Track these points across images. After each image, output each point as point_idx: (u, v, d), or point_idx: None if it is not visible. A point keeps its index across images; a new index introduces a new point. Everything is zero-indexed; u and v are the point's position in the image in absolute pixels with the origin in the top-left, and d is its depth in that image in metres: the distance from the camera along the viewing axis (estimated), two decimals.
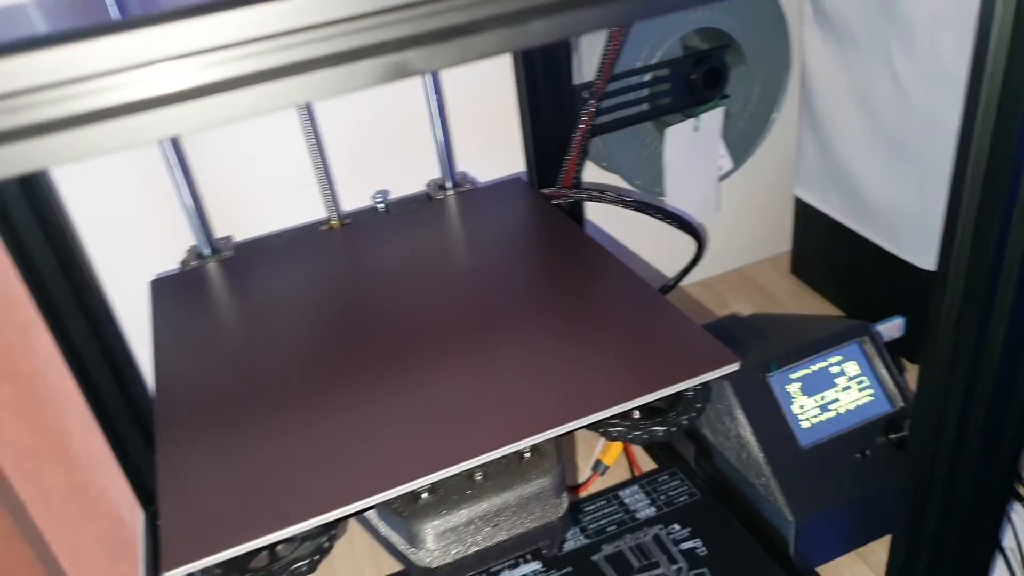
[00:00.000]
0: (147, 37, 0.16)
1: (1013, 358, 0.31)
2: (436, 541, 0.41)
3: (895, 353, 0.62)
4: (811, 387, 0.59)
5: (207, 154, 0.65)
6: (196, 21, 0.16)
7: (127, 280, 0.66)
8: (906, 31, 0.64)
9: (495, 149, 0.75)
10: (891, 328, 0.71)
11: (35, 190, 0.57)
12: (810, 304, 0.87)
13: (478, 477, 0.42)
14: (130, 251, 0.66)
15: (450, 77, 0.69)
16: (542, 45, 0.18)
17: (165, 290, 0.61)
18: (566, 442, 0.71)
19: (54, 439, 0.64)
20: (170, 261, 0.66)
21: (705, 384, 0.47)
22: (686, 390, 0.47)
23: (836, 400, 0.59)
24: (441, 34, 0.18)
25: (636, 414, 0.47)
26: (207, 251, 0.65)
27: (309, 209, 0.70)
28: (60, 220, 0.59)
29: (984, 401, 0.32)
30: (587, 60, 0.72)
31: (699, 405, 0.47)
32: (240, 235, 0.69)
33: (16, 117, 0.15)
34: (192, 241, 0.65)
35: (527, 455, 0.43)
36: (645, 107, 0.76)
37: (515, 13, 0.18)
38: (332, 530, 0.42)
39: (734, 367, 0.44)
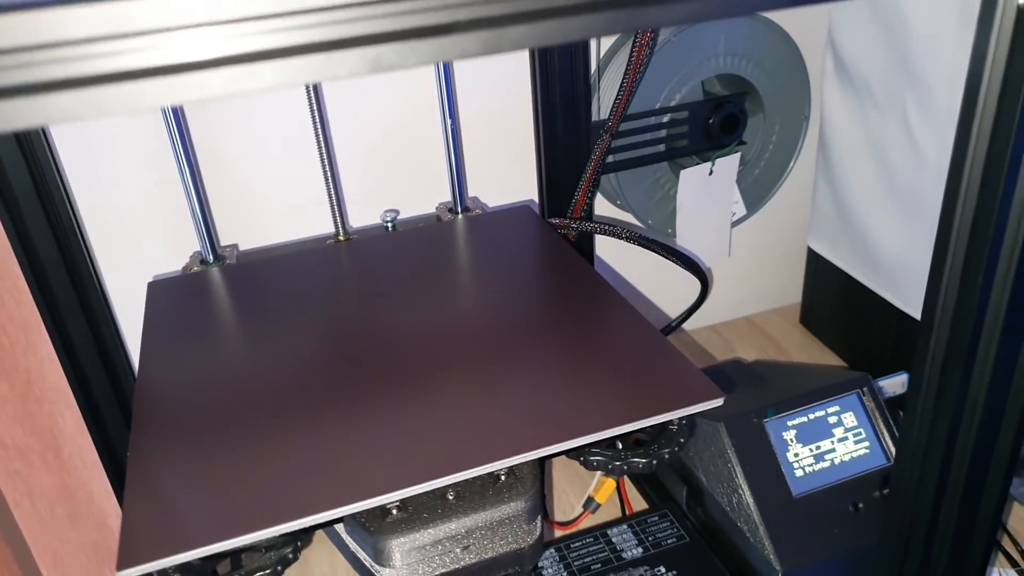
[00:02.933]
0: (144, 8, 0.16)
1: (995, 409, 0.30)
2: (403, 559, 0.40)
3: (897, 410, 0.61)
4: (807, 436, 0.58)
5: (220, 163, 0.67)
6: None
7: (129, 282, 0.66)
8: (923, 89, 0.64)
9: (509, 177, 0.75)
10: (895, 384, 0.69)
11: (46, 187, 0.58)
12: (817, 355, 0.86)
13: (450, 496, 0.41)
14: (134, 254, 0.67)
15: (469, 103, 0.70)
16: (516, 50, 0.18)
17: (162, 292, 0.62)
18: (559, 465, 0.70)
19: (46, 440, 0.64)
20: (174, 265, 0.67)
21: (690, 418, 0.46)
22: (670, 423, 0.46)
23: (832, 450, 0.57)
24: (420, 32, 0.18)
25: (619, 444, 0.46)
26: (210, 257, 0.66)
27: (318, 224, 0.71)
28: (68, 219, 0.60)
29: (966, 455, 0.31)
30: (606, 98, 0.73)
31: (682, 439, 0.46)
32: (247, 245, 0.70)
33: (35, 72, 0.16)
34: (196, 247, 0.66)
35: (503, 477, 0.43)
36: (662, 148, 0.76)
37: (496, 17, 0.18)
38: (297, 540, 0.41)
39: (718, 402, 0.43)
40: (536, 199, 0.75)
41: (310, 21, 0.17)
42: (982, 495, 0.34)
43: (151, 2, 0.15)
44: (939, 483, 0.33)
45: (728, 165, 0.79)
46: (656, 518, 0.61)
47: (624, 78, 0.67)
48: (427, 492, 0.39)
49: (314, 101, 0.64)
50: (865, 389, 0.60)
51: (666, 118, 0.75)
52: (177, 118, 0.61)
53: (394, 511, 0.41)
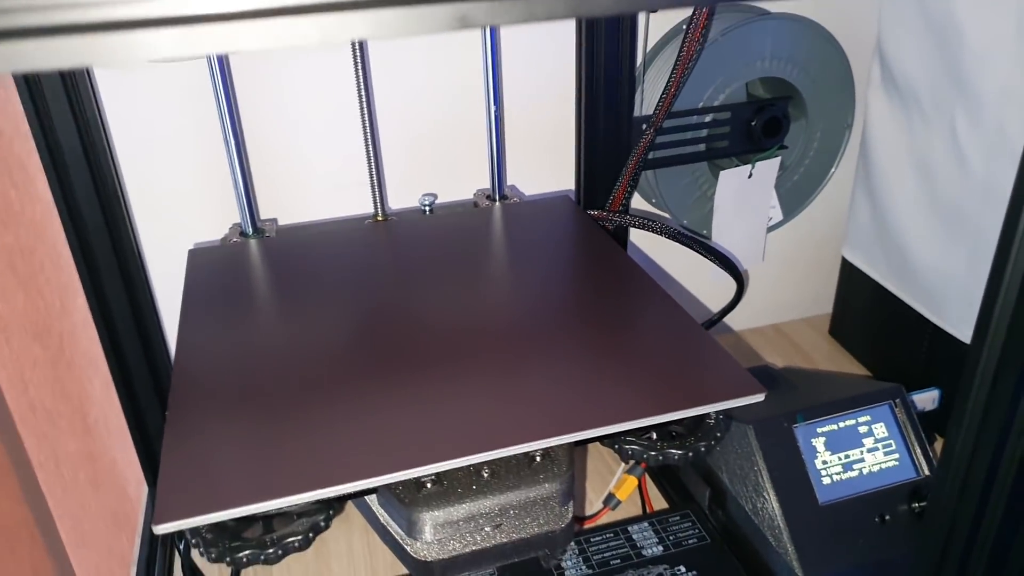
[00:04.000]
0: None
1: None
2: (434, 532, 0.40)
3: (926, 426, 0.60)
4: (836, 444, 0.57)
5: (265, 139, 0.67)
6: None
7: (166, 251, 0.67)
8: (973, 101, 0.63)
9: (546, 168, 0.75)
10: (925, 399, 0.69)
11: (95, 153, 0.58)
12: (845, 367, 0.85)
13: (485, 474, 0.41)
14: (174, 222, 0.67)
15: (512, 92, 0.70)
16: (608, 14, 0.18)
17: (202, 260, 0.62)
18: (580, 461, 0.70)
19: (74, 404, 0.64)
20: (211, 236, 0.68)
21: (727, 413, 0.46)
22: (707, 416, 0.46)
23: (861, 460, 0.57)
24: None
25: (654, 435, 0.46)
26: (250, 229, 0.66)
27: (357, 204, 0.71)
28: (113, 184, 0.60)
29: (1011, 471, 0.31)
30: (649, 94, 0.73)
31: (719, 433, 0.45)
32: (286, 220, 0.70)
33: (101, 11, 0.16)
34: (237, 218, 0.67)
35: (538, 458, 0.43)
36: (702, 147, 0.76)
37: None
38: (330, 508, 0.41)
39: (759, 397, 0.43)
40: (572, 191, 0.75)
41: None
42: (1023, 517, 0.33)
43: None
44: (981, 498, 0.33)
45: (768, 169, 0.79)
46: (677, 517, 0.61)
47: (672, 73, 0.66)
48: (463, 468, 0.39)
49: (361, 83, 0.64)
50: (898, 400, 0.59)
51: (708, 118, 0.74)
52: (227, 91, 0.62)
53: (429, 484, 0.41)
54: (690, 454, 0.44)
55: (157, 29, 0.16)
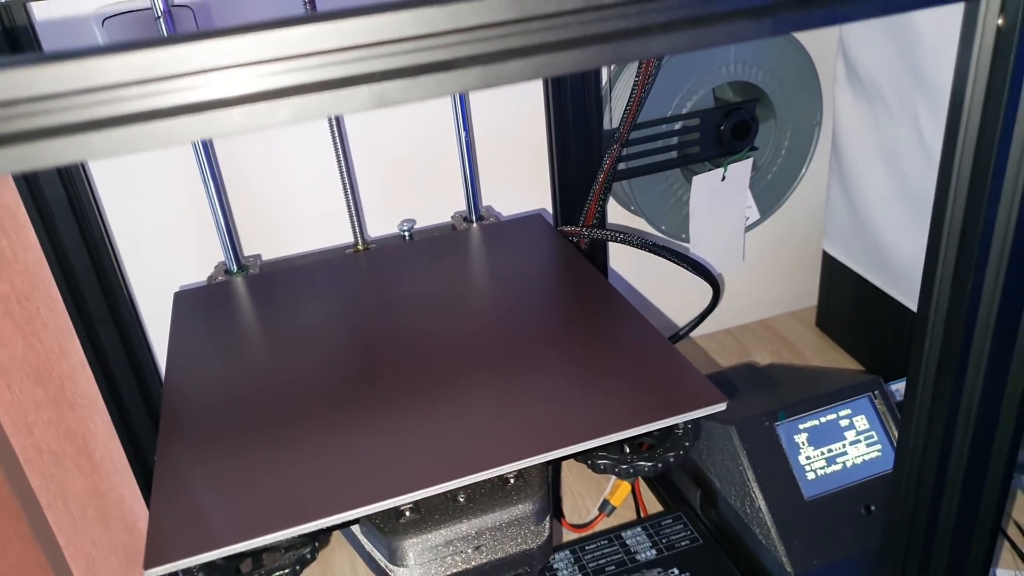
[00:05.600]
0: (172, 54, 0.18)
1: (991, 410, 0.31)
2: (416, 558, 0.42)
3: None
4: (819, 438, 0.58)
5: (243, 177, 0.69)
6: (206, 44, 0.18)
7: (157, 291, 0.69)
8: (935, 94, 0.64)
9: (523, 186, 0.77)
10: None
11: (79, 201, 0.60)
12: (833, 359, 0.87)
13: (461, 499, 0.43)
14: (162, 264, 0.69)
15: (483, 115, 0.72)
16: (511, 84, 0.19)
17: (187, 301, 0.64)
18: (567, 476, 0.72)
19: (79, 444, 0.66)
20: (199, 275, 0.69)
21: (695, 422, 0.47)
22: (675, 427, 0.47)
23: (844, 453, 0.58)
24: (422, 68, 0.19)
25: (626, 448, 0.47)
26: (234, 267, 0.68)
27: (338, 234, 0.73)
28: (100, 232, 0.62)
29: (963, 454, 0.32)
30: (618, 108, 0.74)
31: (687, 443, 0.47)
32: (269, 255, 0.72)
33: (95, 111, 0.17)
34: (221, 257, 0.68)
35: (512, 480, 0.44)
36: (674, 155, 0.77)
37: (493, 53, 0.20)
38: (315, 541, 0.43)
39: (721, 407, 0.44)
40: (550, 207, 0.77)
41: (323, 61, 0.18)
42: (980, 496, 0.34)
43: (179, 49, 0.17)
44: (936, 485, 0.34)
45: (740, 171, 0.80)
46: (670, 520, 0.62)
47: (633, 89, 0.68)
48: (439, 494, 0.41)
49: (333, 116, 0.66)
50: (877, 392, 0.61)
51: (678, 125, 0.76)
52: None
53: (407, 512, 0.43)
54: (659, 465, 0.46)
55: (138, 125, 0.17)
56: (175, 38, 0.18)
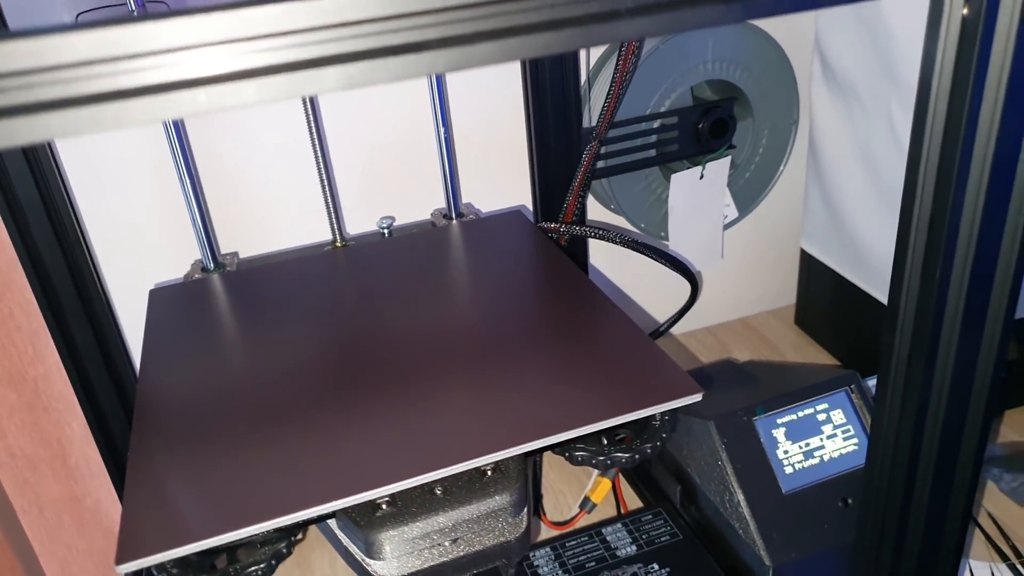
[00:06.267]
0: (139, 32, 0.18)
1: (960, 400, 0.31)
2: (393, 551, 0.42)
3: None
4: (796, 433, 0.59)
5: (220, 173, 0.68)
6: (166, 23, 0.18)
7: (132, 290, 0.68)
8: (907, 92, 0.65)
9: (503, 183, 0.77)
10: None
11: (52, 199, 0.59)
12: (812, 356, 0.87)
13: (438, 491, 0.43)
14: (137, 262, 0.68)
15: (463, 111, 0.72)
16: (480, 67, 0.19)
17: (163, 299, 0.63)
18: (549, 473, 0.72)
19: (54, 448, 0.65)
20: (175, 273, 0.69)
21: (672, 413, 0.47)
22: (652, 418, 0.47)
23: (821, 447, 0.59)
24: (391, 50, 0.19)
25: (604, 440, 0.47)
26: (211, 265, 0.67)
27: (316, 232, 0.72)
28: (73, 230, 0.61)
29: (934, 444, 0.32)
30: (597, 106, 0.75)
31: (664, 434, 0.47)
32: (247, 252, 0.71)
33: (58, 89, 0.17)
34: (198, 255, 0.68)
35: (489, 472, 0.44)
36: (652, 153, 0.77)
37: (463, 36, 0.20)
38: (291, 536, 0.42)
39: (696, 397, 0.45)
40: (530, 204, 0.77)
41: (290, 42, 0.18)
42: (952, 485, 0.35)
43: (144, 28, 0.17)
44: (908, 475, 0.34)
45: (718, 169, 0.81)
46: (650, 516, 0.63)
47: (611, 86, 0.68)
48: (416, 487, 0.40)
49: (310, 112, 0.66)
50: (853, 386, 0.61)
51: (656, 124, 0.76)
52: (178, 130, 0.63)
53: (384, 506, 0.43)
54: (636, 456, 0.46)
55: (101, 104, 0.17)
56: (141, 17, 0.18)
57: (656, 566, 0.58)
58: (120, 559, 0.37)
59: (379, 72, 0.19)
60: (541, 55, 0.20)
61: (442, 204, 0.75)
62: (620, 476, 0.69)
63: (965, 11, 0.25)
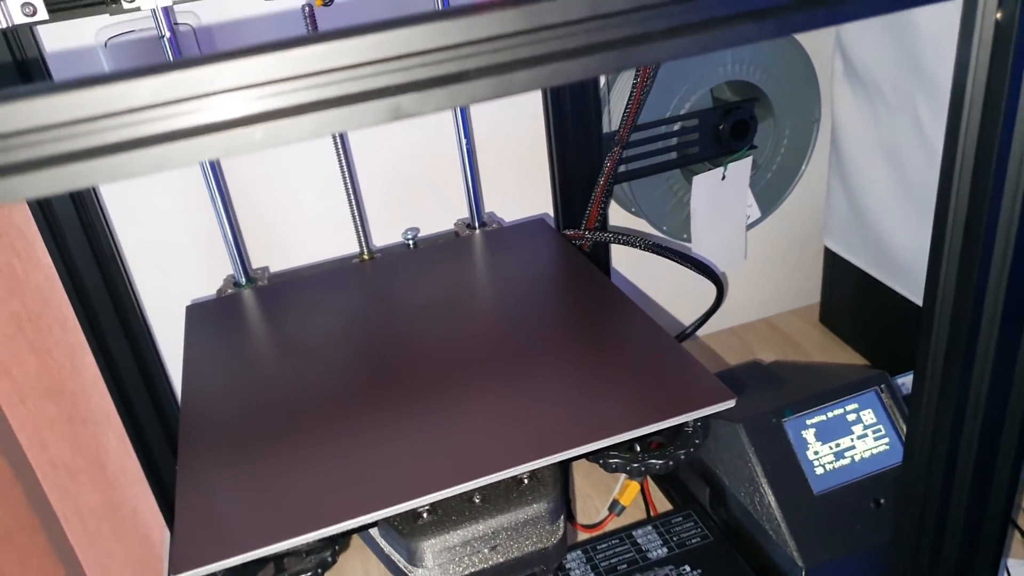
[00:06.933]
0: (179, 78, 0.18)
1: (999, 398, 0.31)
2: (434, 559, 0.43)
3: None
4: (826, 434, 0.59)
5: (250, 191, 0.69)
6: (221, 65, 0.18)
7: (167, 306, 0.69)
8: (933, 87, 0.65)
9: (524, 192, 0.77)
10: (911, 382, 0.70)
11: (89, 219, 0.61)
12: (837, 355, 0.87)
13: (476, 500, 0.44)
14: (172, 279, 0.70)
15: (484, 122, 0.73)
16: (522, 93, 0.20)
17: (200, 315, 0.65)
18: (576, 478, 0.72)
19: (92, 458, 0.66)
20: (208, 289, 0.70)
21: (704, 419, 0.48)
22: (685, 425, 0.48)
23: (852, 448, 0.59)
24: (435, 81, 0.20)
25: (637, 447, 0.48)
26: (243, 280, 0.68)
27: (343, 245, 0.73)
28: (110, 248, 0.63)
29: (972, 444, 0.33)
30: (616, 111, 0.75)
31: (697, 440, 0.47)
32: (277, 267, 0.73)
33: (88, 139, 0.18)
34: (230, 270, 0.69)
35: (526, 480, 0.45)
36: (673, 155, 0.78)
37: (502, 64, 0.20)
38: (335, 544, 0.43)
39: (730, 404, 0.45)
40: (551, 212, 0.77)
41: (339, 78, 0.19)
42: (991, 486, 0.35)
43: (200, 71, 0.18)
44: (946, 476, 0.34)
45: (740, 170, 0.81)
46: (680, 519, 0.63)
47: (632, 91, 0.69)
48: (455, 496, 0.41)
49: (349, 130, 0.67)
50: (883, 386, 0.61)
51: (677, 126, 0.76)
52: None
53: (424, 514, 0.43)
54: (670, 463, 0.46)
55: (132, 151, 0.18)
56: (195, 60, 0.18)
57: (688, 568, 0.58)
58: (175, 569, 0.38)
59: (424, 103, 0.19)
60: (579, 80, 0.20)
61: (464, 214, 0.75)
62: (648, 479, 0.69)
63: (999, 15, 0.25)
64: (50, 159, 0.18)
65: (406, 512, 0.42)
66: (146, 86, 0.18)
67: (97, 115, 0.18)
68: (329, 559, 0.42)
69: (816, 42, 0.79)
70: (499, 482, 0.43)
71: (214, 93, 0.18)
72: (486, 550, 0.43)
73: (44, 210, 0.59)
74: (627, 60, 0.22)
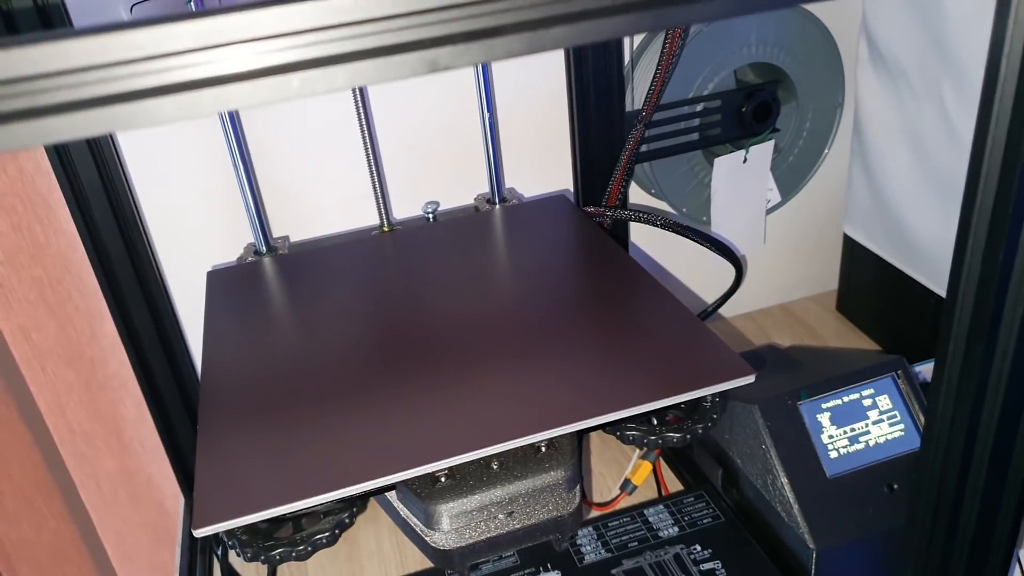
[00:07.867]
0: (214, 25, 0.18)
1: (1020, 383, 0.31)
2: (451, 523, 0.43)
3: None
4: (842, 418, 0.59)
5: (272, 160, 0.70)
6: (256, 13, 0.19)
7: (187, 273, 0.70)
8: (960, 73, 0.64)
9: (545, 168, 0.77)
10: (930, 369, 0.70)
11: (113, 186, 0.61)
12: (853, 342, 0.87)
13: (495, 466, 0.44)
14: (193, 246, 0.70)
15: (506, 97, 0.72)
16: (555, 49, 0.20)
17: (220, 281, 0.65)
18: (596, 451, 0.72)
19: (109, 425, 0.67)
20: (227, 257, 0.71)
21: (723, 395, 0.48)
22: (703, 399, 0.48)
23: (867, 432, 0.59)
24: (470, 35, 0.20)
25: (654, 420, 0.48)
26: (263, 248, 0.69)
27: (363, 217, 0.73)
28: (132, 215, 0.63)
29: (991, 429, 0.32)
30: (640, 89, 0.75)
31: (715, 415, 0.47)
32: (297, 237, 0.73)
33: (107, 86, 0.18)
34: (250, 238, 0.69)
35: (544, 448, 0.45)
36: (695, 136, 0.77)
37: (537, 20, 0.20)
38: (353, 506, 0.44)
39: (749, 379, 0.45)
40: (571, 189, 0.77)
41: (375, 29, 0.19)
42: (1008, 471, 0.35)
43: (240, 17, 0.18)
44: (964, 461, 0.34)
45: (762, 153, 0.80)
46: (692, 499, 0.63)
47: (657, 69, 0.68)
48: (473, 461, 0.42)
49: (359, 101, 0.67)
50: (900, 372, 0.61)
51: (699, 107, 0.76)
52: (232, 119, 0.64)
53: (442, 479, 0.44)
54: (688, 436, 0.46)
55: (162, 97, 0.18)
56: (236, 7, 0.18)
57: (699, 547, 0.58)
58: (197, 524, 0.39)
59: (459, 56, 0.19)
60: (613, 37, 0.20)
61: (484, 189, 0.75)
62: (660, 459, 0.70)
63: None
64: (84, 101, 0.18)
65: (424, 476, 0.43)
66: (183, 30, 0.18)
67: (133, 58, 0.18)
68: (347, 520, 0.43)
69: (841, 24, 0.78)
70: (517, 449, 0.44)
71: (251, 39, 0.18)
72: (502, 516, 0.44)
73: (69, 177, 0.59)
74: (661, 20, 0.22)
